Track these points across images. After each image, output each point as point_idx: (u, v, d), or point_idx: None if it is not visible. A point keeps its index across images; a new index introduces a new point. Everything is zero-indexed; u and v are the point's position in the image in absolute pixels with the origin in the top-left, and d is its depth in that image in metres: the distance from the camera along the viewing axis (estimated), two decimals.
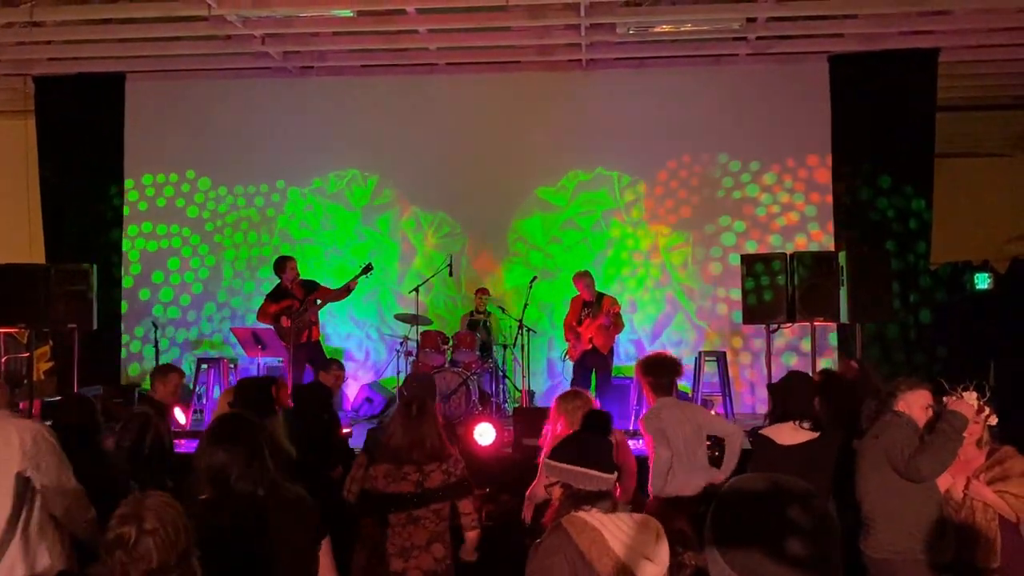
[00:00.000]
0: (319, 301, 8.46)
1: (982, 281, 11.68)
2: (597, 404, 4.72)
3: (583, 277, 8.68)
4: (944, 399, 4.07)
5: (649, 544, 2.61)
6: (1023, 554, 3.87)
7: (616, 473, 2.74)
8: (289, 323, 8.26)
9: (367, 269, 8.45)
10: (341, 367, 6.64)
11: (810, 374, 4.85)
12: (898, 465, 3.79)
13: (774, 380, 5.84)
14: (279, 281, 8.57)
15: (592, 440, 2.81)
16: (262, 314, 8.51)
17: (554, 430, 4.54)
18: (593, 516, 2.63)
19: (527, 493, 4.68)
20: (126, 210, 10.54)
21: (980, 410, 3.97)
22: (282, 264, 8.56)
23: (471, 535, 4.04)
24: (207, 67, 10.20)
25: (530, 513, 4.59)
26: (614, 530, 2.61)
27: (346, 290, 8.47)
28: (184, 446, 7.10)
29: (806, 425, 4.36)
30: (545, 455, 4.45)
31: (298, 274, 8.59)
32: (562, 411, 4.54)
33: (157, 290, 10.52)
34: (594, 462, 2.67)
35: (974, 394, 4.00)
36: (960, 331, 10.75)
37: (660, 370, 4.93)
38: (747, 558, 1.49)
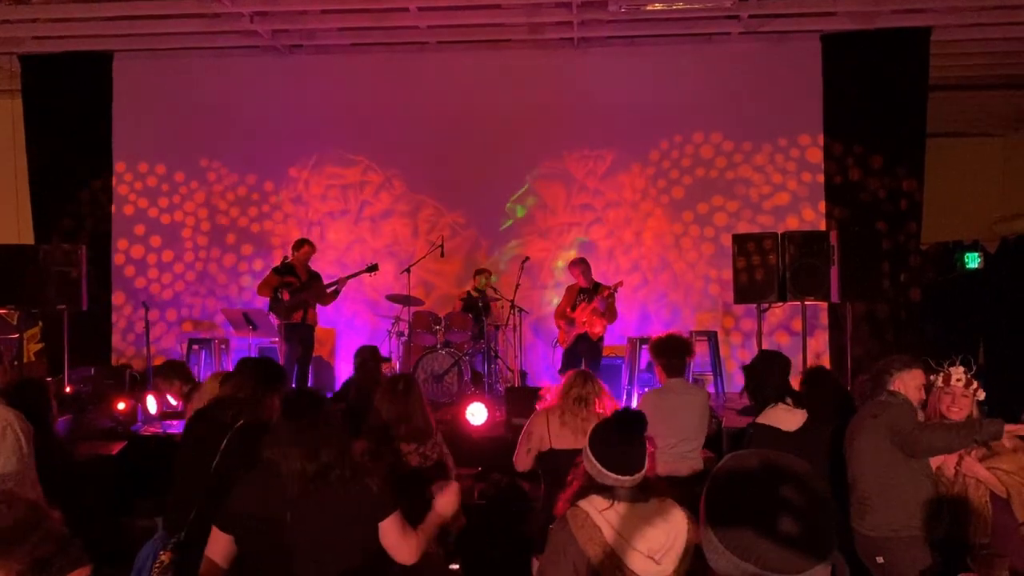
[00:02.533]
0: (332, 288, 8.63)
1: (972, 260, 11.74)
2: (607, 397, 4.66)
3: (578, 264, 8.66)
4: (931, 377, 4.10)
5: (658, 538, 2.59)
6: (1012, 529, 3.91)
7: (642, 472, 2.71)
8: (288, 296, 8.30)
9: (371, 268, 8.62)
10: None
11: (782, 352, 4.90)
12: (903, 437, 3.80)
13: None
14: (287, 259, 8.63)
15: (629, 447, 2.73)
16: (264, 285, 8.55)
17: (550, 402, 4.54)
18: (598, 507, 2.64)
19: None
20: (115, 189, 10.46)
21: (968, 383, 4.00)
22: (300, 244, 8.70)
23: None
24: (195, 45, 10.10)
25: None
26: (620, 523, 2.60)
27: (334, 294, 8.67)
28: (177, 427, 7.13)
29: (789, 402, 4.39)
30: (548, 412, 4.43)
31: (309, 259, 8.71)
32: (567, 389, 4.49)
33: (147, 270, 10.46)
34: (624, 468, 2.66)
35: (960, 369, 4.03)
36: (950, 310, 10.81)
37: (671, 352, 4.95)
38: (741, 537, 1.49)
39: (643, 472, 2.70)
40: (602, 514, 2.62)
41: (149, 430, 7.27)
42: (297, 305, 8.35)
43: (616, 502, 2.64)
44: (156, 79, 10.37)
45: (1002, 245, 12.94)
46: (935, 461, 3.99)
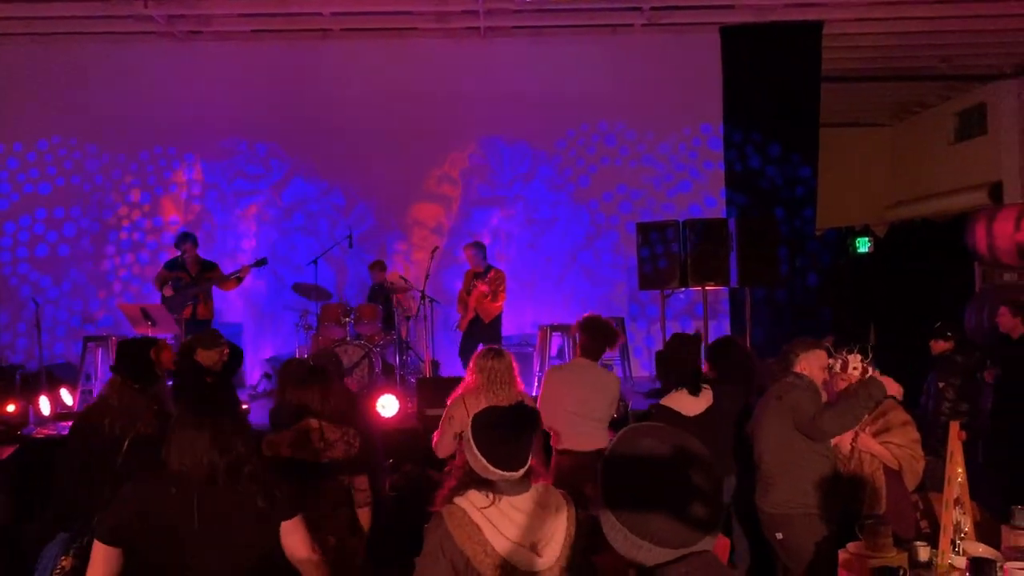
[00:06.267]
0: (220, 282, 8.51)
1: (863, 245, 12.31)
2: (516, 369, 4.67)
3: (469, 248, 8.79)
4: (830, 361, 4.27)
5: (539, 530, 2.52)
6: (904, 500, 4.13)
7: (527, 465, 2.60)
8: (171, 293, 8.22)
9: (260, 263, 8.47)
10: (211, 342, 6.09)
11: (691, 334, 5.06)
12: (803, 424, 3.97)
13: None
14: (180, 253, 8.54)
15: (514, 439, 2.59)
16: (156, 279, 8.60)
17: (467, 384, 4.54)
18: (477, 504, 2.54)
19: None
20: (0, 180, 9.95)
21: (864, 371, 4.17)
22: (182, 240, 8.56)
23: (363, 512, 4.01)
24: (86, 30, 9.65)
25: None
26: (499, 519, 2.51)
27: (235, 280, 8.52)
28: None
29: (692, 389, 4.52)
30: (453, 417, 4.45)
31: (196, 253, 8.56)
32: (477, 369, 4.50)
33: (37, 265, 9.99)
34: (511, 464, 2.54)
35: (858, 356, 4.20)
36: (844, 293, 11.30)
37: (599, 335, 4.98)
38: (637, 516, 1.54)
39: (528, 465, 2.58)
40: (481, 512, 2.53)
41: (42, 432, 6.96)
42: (184, 301, 8.20)
43: (497, 497, 2.54)
44: (43, 64, 9.88)
45: (891, 230, 13.60)
46: (833, 439, 4.16)
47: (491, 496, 2.54)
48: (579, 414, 4.80)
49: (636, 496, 1.56)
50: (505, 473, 2.53)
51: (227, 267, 8.77)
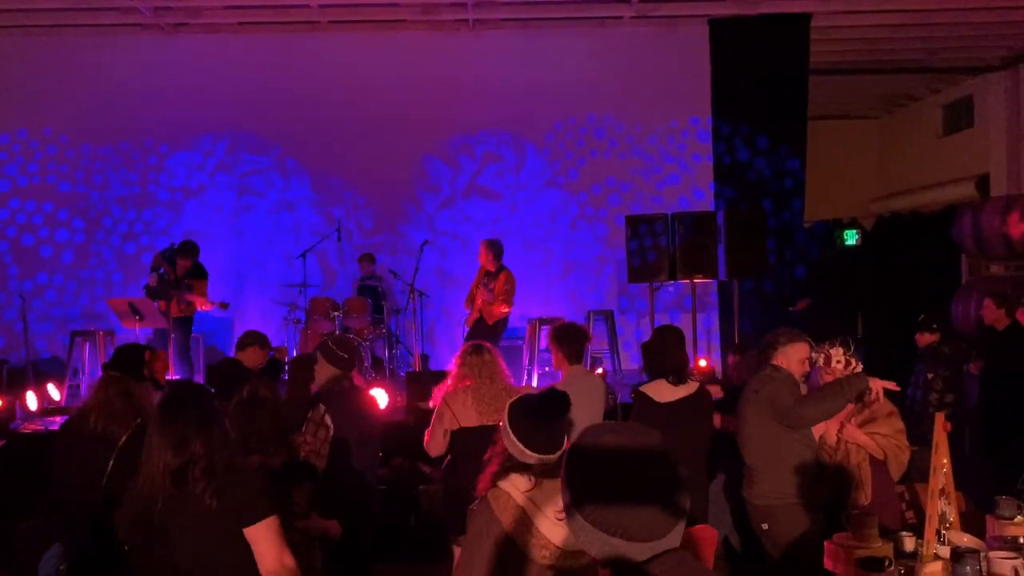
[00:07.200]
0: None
1: (851, 237, 12.35)
2: (502, 362, 4.66)
3: (483, 244, 8.56)
4: (812, 354, 4.28)
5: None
6: (890, 490, 4.16)
7: (563, 447, 2.66)
8: (153, 284, 8.21)
9: (223, 305, 8.36)
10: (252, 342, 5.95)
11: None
12: (782, 413, 3.98)
13: None
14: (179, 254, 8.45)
15: (548, 424, 2.69)
16: (153, 260, 8.57)
17: (452, 383, 4.53)
18: (521, 487, 2.62)
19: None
20: None
21: (847, 364, 4.18)
22: (187, 248, 8.40)
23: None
24: (71, 23, 9.58)
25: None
26: (542, 500, 2.59)
27: (201, 300, 8.40)
28: (60, 423, 6.82)
29: (674, 379, 4.53)
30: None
31: (192, 262, 8.42)
32: (460, 366, 4.51)
33: (22, 259, 9.93)
34: (548, 448, 2.65)
35: (840, 349, 4.21)
36: (832, 285, 11.34)
37: (572, 339, 4.97)
38: (605, 513, 1.54)
39: (563, 448, 2.66)
40: (525, 494, 2.62)
41: (29, 427, 6.93)
42: (157, 296, 8.18)
43: (539, 480, 2.63)
44: (29, 58, 9.80)
45: (878, 223, 13.66)
46: (818, 430, 4.18)
47: (532, 479, 2.62)
48: (585, 422, 4.83)
49: (601, 491, 1.56)
50: (542, 456, 2.63)
51: (207, 262, 8.68)
